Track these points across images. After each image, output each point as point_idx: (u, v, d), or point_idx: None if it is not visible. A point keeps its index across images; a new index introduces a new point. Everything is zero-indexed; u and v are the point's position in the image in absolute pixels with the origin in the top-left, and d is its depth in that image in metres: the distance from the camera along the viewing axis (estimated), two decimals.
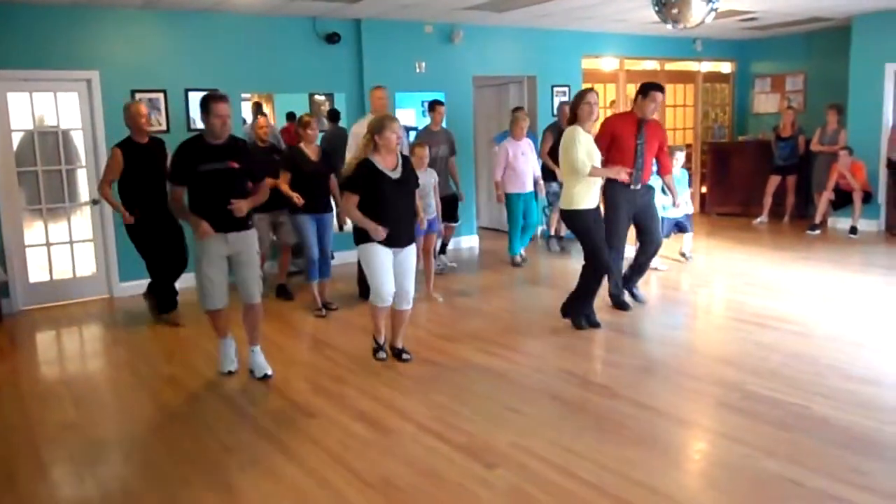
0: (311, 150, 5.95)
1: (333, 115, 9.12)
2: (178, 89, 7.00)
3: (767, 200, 9.86)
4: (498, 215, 9.49)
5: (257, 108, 9.52)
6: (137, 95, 6.65)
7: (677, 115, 11.14)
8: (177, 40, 6.99)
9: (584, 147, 4.92)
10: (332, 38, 7.69)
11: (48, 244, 6.60)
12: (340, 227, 6.39)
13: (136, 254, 5.77)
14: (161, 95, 6.92)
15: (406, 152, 5.46)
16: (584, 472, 3.16)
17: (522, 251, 7.87)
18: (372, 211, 4.41)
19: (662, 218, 7.02)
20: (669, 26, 5.40)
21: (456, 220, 7.65)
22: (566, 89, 9.51)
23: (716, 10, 5.15)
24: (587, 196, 5.05)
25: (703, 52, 10.79)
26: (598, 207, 5.19)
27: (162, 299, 5.86)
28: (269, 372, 4.54)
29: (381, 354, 4.78)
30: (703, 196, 10.99)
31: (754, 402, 3.86)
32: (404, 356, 4.76)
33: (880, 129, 8.97)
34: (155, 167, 5.43)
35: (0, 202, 6.29)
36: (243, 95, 7.68)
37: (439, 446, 3.50)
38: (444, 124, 7.41)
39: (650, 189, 5.70)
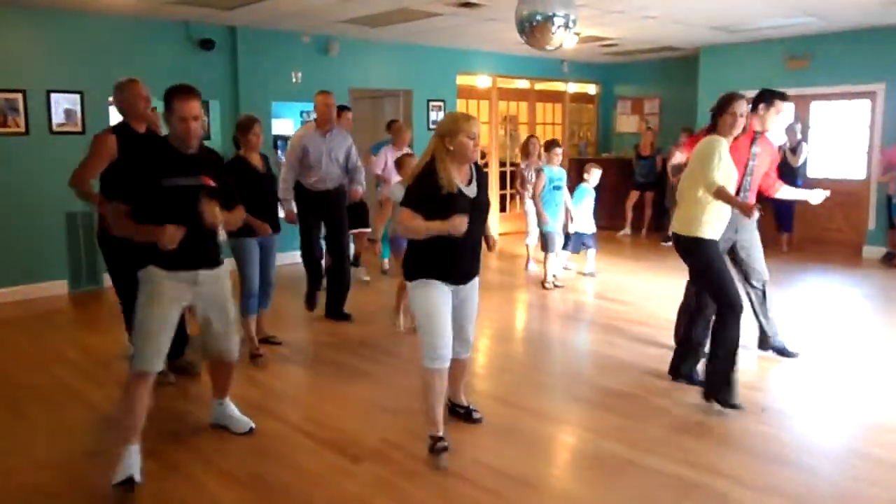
0: (256, 159, 5.04)
1: None
2: (39, 90, 6.72)
3: (628, 214, 10.63)
4: None
5: None
6: None
7: (546, 133, 11.72)
8: (40, 39, 6.72)
9: (724, 163, 3.95)
10: (207, 45, 7.62)
11: None
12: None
13: None
14: (20, 96, 6.62)
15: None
16: (449, 462, 3.36)
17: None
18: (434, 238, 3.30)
19: (576, 233, 7.49)
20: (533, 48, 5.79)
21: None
22: (441, 104, 9.85)
23: (576, 35, 5.58)
24: (717, 223, 4.03)
25: (570, 73, 11.48)
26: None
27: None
28: (254, 424, 3.73)
29: (444, 460, 3.36)
30: (567, 210, 11.61)
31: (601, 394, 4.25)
32: (475, 415, 3.82)
33: None
34: None
35: None
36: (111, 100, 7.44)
37: (308, 444, 3.61)
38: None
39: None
